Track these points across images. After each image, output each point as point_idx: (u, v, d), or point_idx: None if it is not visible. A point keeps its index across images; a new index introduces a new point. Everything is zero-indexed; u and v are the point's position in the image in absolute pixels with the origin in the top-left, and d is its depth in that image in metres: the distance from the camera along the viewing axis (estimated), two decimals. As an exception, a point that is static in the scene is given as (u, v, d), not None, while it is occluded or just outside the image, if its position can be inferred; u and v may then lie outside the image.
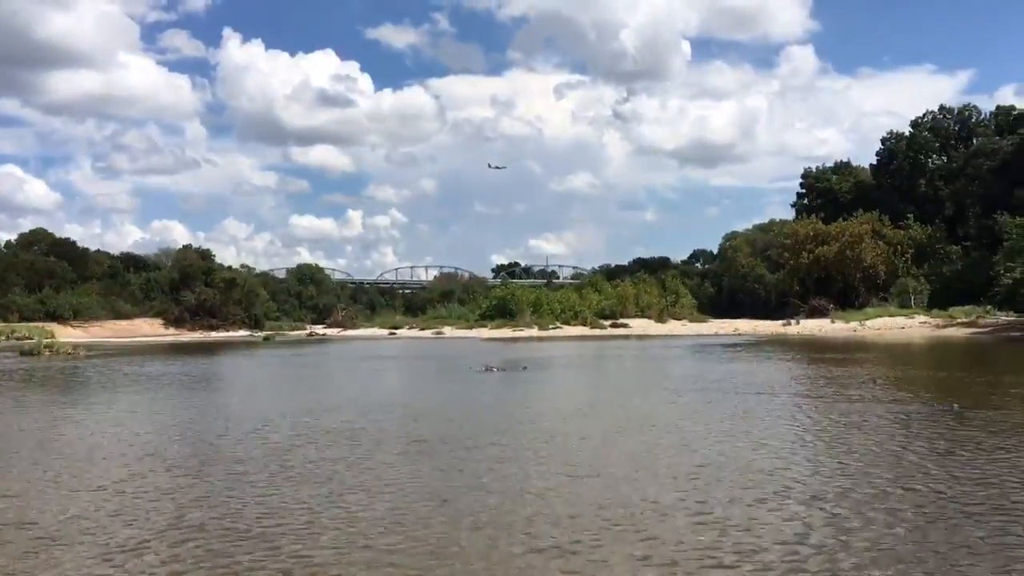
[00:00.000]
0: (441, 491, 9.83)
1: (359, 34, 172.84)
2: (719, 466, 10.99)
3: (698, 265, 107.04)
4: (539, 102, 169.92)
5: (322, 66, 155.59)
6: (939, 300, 61.80)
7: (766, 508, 8.89)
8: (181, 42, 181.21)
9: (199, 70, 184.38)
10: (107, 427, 15.61)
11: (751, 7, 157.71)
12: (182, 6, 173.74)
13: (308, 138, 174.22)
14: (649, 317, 71.11)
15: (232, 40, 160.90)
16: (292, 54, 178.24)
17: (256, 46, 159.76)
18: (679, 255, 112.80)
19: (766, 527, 8.22)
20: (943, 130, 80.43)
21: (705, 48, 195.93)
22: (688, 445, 12.69)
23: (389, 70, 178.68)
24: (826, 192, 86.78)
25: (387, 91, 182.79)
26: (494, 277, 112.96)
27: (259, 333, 67.34)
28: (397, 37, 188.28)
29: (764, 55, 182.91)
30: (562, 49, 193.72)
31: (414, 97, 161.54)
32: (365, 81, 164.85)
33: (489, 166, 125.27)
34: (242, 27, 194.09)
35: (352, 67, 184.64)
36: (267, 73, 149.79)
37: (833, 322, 59.69)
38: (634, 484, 10.07)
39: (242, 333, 69.24)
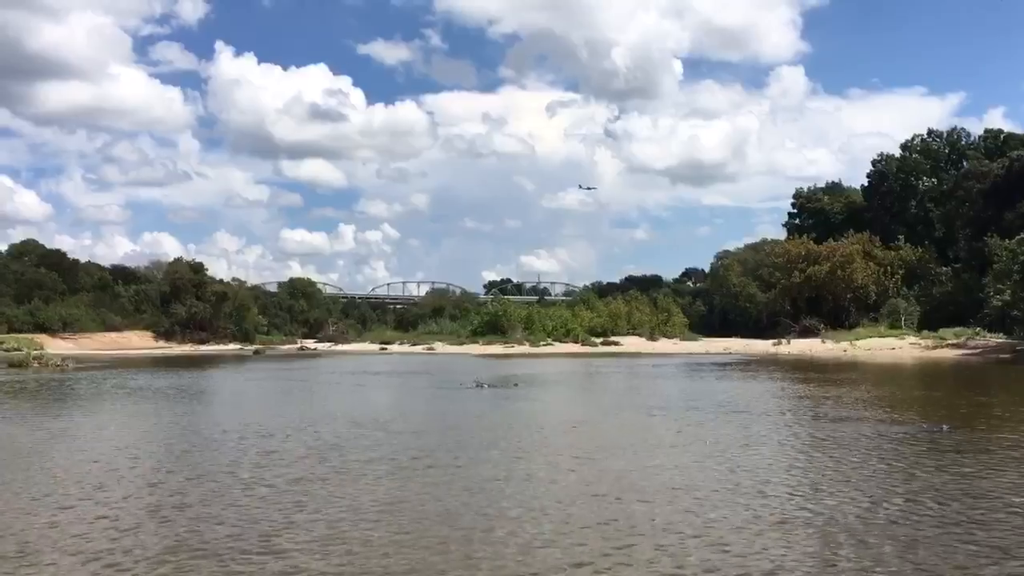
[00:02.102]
0: (424, 512, 9.77)
1: (351, 49, 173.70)
2: (710, 487, 10.95)
3: (690, 283, 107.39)
4: (531, 119, 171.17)
5: (314, 80, 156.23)
6: (929, 321, 61.99)
7: (758, 529, 8.86)
8: (173, 55, 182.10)
9: (191, 83, 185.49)
10: (86, 442, 15.52)
11: (742, 28, 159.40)
12: (175, 19, 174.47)
13: (300, 152, 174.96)
14: (640, 335, 71.21)
15: (224, 53, 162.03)
16: (284, 68, 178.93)
17: (248, 60, 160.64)
18: (671, 273, 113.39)
19: (760, 550, 8.19)
20: (933, 152, 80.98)
21: (696, 68, 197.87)
22: (679, 466, 12.64)
23: (381, 85, 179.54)
24: (817, 212, 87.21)
25: (379, 106, 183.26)
26: (486, 293, 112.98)
27: (249, 347, 67.19)
28: (389, 53, 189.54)
29: (755, 75, 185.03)
30: (554, 67, 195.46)
31: (406, 112, 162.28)
32: (357, 96, 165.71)
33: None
34: (235, 41, 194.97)
35: (344, 82, 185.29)
36: (259, 87, 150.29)
37: (824, 342, 59.78)
38: (624, 505, 10.03)
39: (232, 346, 69.06)
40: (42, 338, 60.48)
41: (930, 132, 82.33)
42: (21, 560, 7.88)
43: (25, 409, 22.03)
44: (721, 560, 7.80)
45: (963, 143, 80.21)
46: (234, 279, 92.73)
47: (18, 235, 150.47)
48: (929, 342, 54.14)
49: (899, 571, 7.46)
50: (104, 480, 11.55)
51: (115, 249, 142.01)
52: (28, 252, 79.50)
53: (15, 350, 49.35)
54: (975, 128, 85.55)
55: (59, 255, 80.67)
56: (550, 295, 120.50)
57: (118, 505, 10.03)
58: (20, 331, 63.29)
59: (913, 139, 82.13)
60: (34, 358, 39.91)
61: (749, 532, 8.69)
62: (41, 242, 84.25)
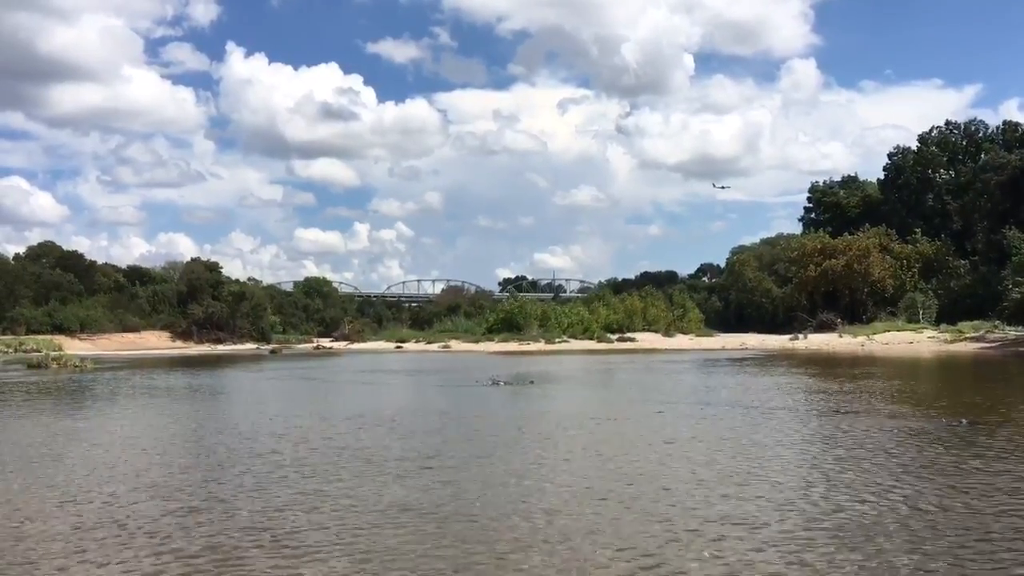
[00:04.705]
0: (444, 509, 9.78)
1: (360, 48, 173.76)
2: (730, 488, 10.92)
3: (705, 279, 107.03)
4: (543, 116, 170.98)
5: (325, 79, 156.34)
6: (947, 315, 61.60)
7: (775, 530, 8.83)
8: (184, 55, 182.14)
9: (203, 84, 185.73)
10: (105, 441, 15.63)
11: (752, 21, 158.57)
12: (186, 21, 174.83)
13: (312, 151, 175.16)
14: (656, 331, 71.06)
15: (235, 54, 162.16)
16: (295, 68, 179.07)
17: (259, 60, 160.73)
18: (686, 269, 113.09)
19: (779, 554, 8.16)
20: (950, 145, 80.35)
21: (707, 62, 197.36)
22: (698, 467, 12.61)
23: (391, 84, 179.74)
24: (833, 206, 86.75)
25: (390, 104, 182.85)
26: (501, 291, 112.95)
27: (266, 346, 67.45)
28: (398, 51, 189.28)
29: (766, 69, 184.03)
30: (565, 63, 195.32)
31: (417, 110, 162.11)
32: (368, 94, 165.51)
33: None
34: (245, 41, 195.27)
35: (355, 80, 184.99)
36: (270, 87, 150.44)
37: (841, 336, 59.49)
38: (648, 500, 10.02)
39: (249, 346, 69.35)
40: (60, 339, 60.87)
41: (948, 124, 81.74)
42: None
43: (49, 409, 22.19)
44: (747, 554, 7.79)
45: (981, 135, 79.56)
46: (250, 279, 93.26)
47: (35, 237, 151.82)
48: (947, 336, 53.79)
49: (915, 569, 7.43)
50: (133, 480, 11.65)
51: (131, 250, 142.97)
52: (46, 254, 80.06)
53: (34, 351, 49.70)
54: (990, 119, 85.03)
55: (76, 256, 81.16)
56: (565, 292, 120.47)
57: (137, 505, 10.11)
58: (38, 332, 63.76)
59: (931, 131, 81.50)
60: (53, 359, 40.11)
61: (775, 528, 8.68)
62: (58, 244, 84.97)
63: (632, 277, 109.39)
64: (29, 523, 9.21)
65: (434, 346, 64.50)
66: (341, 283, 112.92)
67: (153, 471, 12.32)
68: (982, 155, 75.01)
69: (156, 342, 70.10)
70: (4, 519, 9.39)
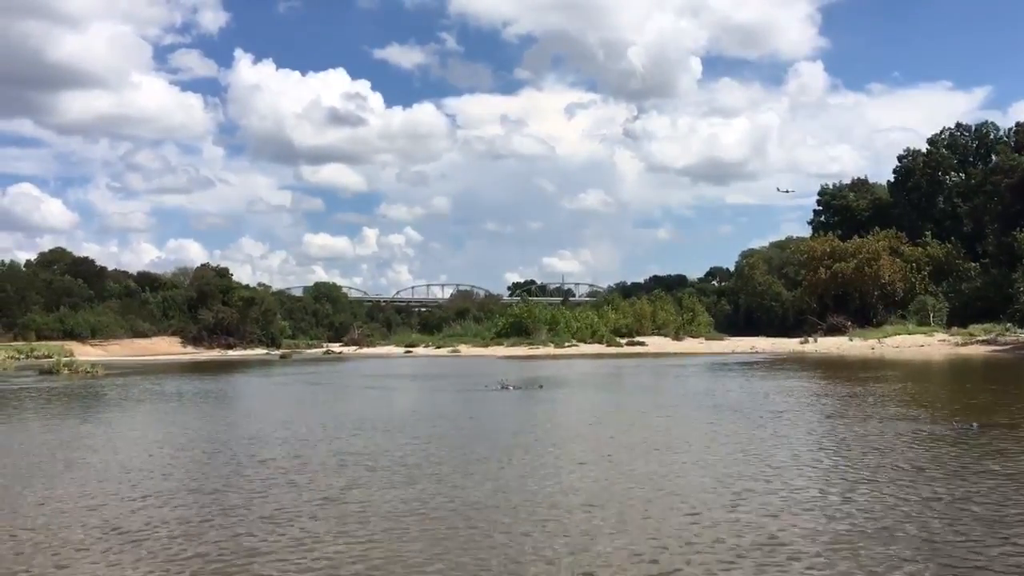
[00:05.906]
0: (455, 513, 9.79)
1: (367, 54, 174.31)
2: (737, 491, 10.89)
3: (715, 283, 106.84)
4: (550, 120, 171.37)
5: (333, 85, 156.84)
6: (958, 318, 61.33)
7: (776, 533, 8.81)
8: (193, 62, 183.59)
9: (211, 90, 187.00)
10: (119, 446, 15.70)
11: (759, 24, 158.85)
12: (195, 28, 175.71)
13: (320, 157, 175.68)
14: (666, 335, 70.97)
15: (243, 60, 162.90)
16: (303, 73, 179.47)
17: (267, 66, 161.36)
18: (695, 273, 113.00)
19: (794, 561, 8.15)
20: (961, 147, 79.96)
21: (714, 66, 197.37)
22: (705, 471, 12.59)
23: (399, 90, 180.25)
24: (843, 209, 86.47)
25: (397, 109, 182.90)
26: (510, 295, 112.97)
27: (276, 351, 67.65)
28: (405, 57, 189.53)
29: (773, 72, 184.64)
30: (572, 68, 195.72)
31: (425, 115, 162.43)
32: (376, 100, 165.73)
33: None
34: (253, 47, 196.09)
35: (363, 86, 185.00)
36: (278, 92, 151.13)
37: (851, 340, 59.29)
38: (658, 505, 10.02)
39: (259, 351, 69.55)
40: (71, 345, 61.20)
41: (958, 126, 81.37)
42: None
43: (62, 414, 22.28)
44: (748, 558, 7.78)
45: (991, 137, 79.15)
46: (259, 284, 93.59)
47: (46, 244, 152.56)
48: (958, 339, 53.54)
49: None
50: (145, 486, 11.70)
51: (141, 256, 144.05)
52: (56, 260, 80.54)
53: (45, 357, 49.93)
54: (1000, 122, 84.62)
55: (87, 263, 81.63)
56: (574, 296, 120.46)
57: (152, 510, 10.16)
58: (49, 339, 64.16)
59: (941, 133, 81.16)
60: (64, 365, 40.26)
61: (776, 530, 8.66)
62: (69, 250, 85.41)
63: (641, 281, 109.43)
64: (49, 529, 9.26)
65: (443, 350, 64.56)
66: (350, 288, 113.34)
67: (166, 477, 12.37)
68: (993, 157, 74.65)
69: (167, 348, 70.39)
70: (26, 524, 9.45)
